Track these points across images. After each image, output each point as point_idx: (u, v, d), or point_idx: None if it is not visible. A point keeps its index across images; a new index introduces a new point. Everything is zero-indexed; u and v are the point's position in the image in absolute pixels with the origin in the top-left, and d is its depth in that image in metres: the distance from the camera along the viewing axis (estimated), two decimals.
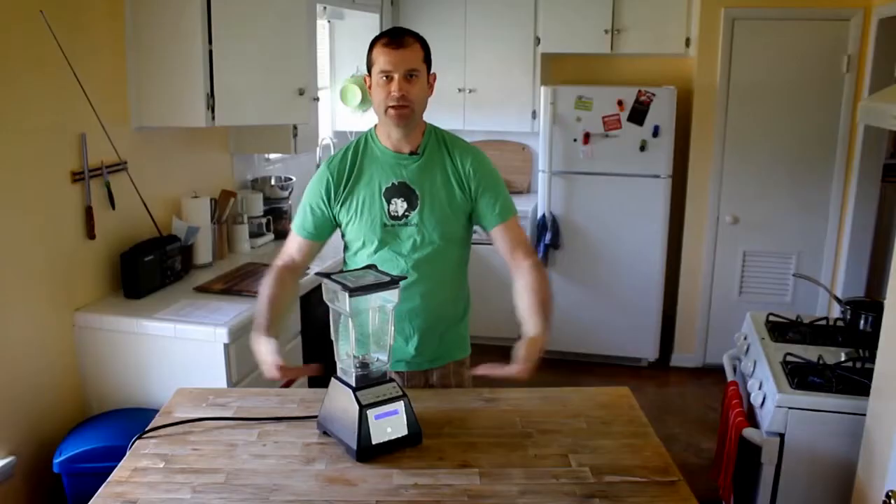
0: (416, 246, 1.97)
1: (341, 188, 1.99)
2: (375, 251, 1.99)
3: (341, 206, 2.00)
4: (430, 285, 2.00)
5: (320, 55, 4.12)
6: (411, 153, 1.98)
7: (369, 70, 1.94)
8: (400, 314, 1.99)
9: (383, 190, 1.97)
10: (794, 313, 2.89)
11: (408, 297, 1.97)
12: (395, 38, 1.89)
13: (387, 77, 1.88)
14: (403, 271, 1.97)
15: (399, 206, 1.96)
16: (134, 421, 2.29)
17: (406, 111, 1.89)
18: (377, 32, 4.49)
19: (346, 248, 2.09)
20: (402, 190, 1.97)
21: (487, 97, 4.70)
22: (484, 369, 1.77)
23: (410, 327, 2.03)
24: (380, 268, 1.94)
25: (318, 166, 4.50)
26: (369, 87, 1.96)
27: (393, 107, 1.88)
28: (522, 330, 1.86)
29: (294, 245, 2.07)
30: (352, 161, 2.00)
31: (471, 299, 2.18)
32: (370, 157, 2.00)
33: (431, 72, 1.97)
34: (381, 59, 1.88)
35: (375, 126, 2.04)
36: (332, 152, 4.51)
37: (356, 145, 2.03)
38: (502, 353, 2.09)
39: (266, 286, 1.97)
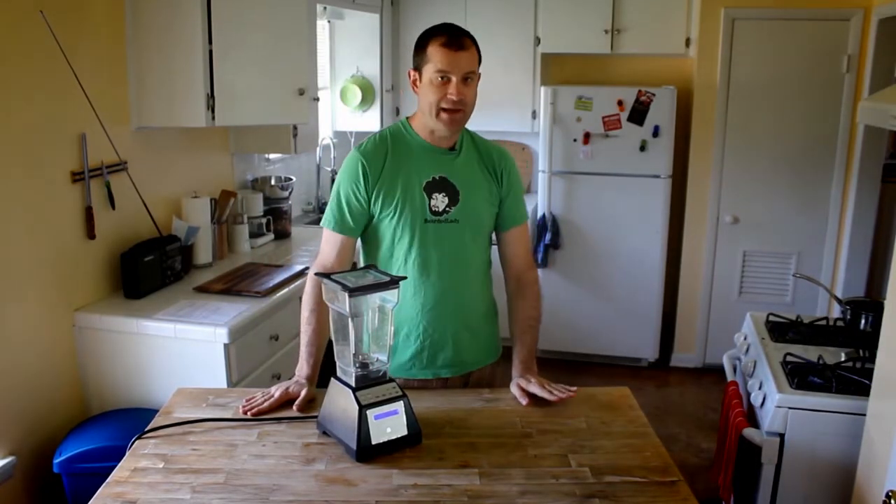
0: (455, 243, 1.94)
1: (378, 176, 1.91)
2: (412, 247, 1.93)
3: (377, 197, 1.91)
4: (471, 282, 2.00)
5: (320, 55, 4.12)
6: (450, 149, 1.96)
7: (418, 67, 1.88)
8: (443, 315, 1.97)
9: (423, 184, 1.92)
10: (794, 313, 2.89)
11: (453, 296, 1.97)
12: (454, 37, 1.84)
13: (443, 78, 1.83)
14: (447, 269, 1.94)
15: (440, 201, 1.92)
16: (134, 421, 2.29)
17: (459, 115, 1.86)
18: (377, 32, 4.56)
19: (372, 244, 1.99)
20: (443, 185, 1.93)
21: (487, 97, 4.63)
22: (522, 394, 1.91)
23: (454, 328, 1.99)
24: (417, 266, 1.93)
25: (318, 166, 4.53)
26: (414, 83, 1.90)
27: (447, 110, 1.84)
28: (519, 365, 1.99)
29: (331, 247, 1.95)
30: (384, 149, 1.93)
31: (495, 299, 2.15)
32: (405, 148, 1.94)
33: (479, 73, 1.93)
34: (440, 58, 1.82)
35: (408, 118, 1.98)
36: (332, 153, 4.55)
37: (388, 134, 1.97)
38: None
39: (308, 324, 1.93)
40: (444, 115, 1.86)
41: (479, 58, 1.90)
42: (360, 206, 1.93)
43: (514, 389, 1.93)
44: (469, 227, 1.96)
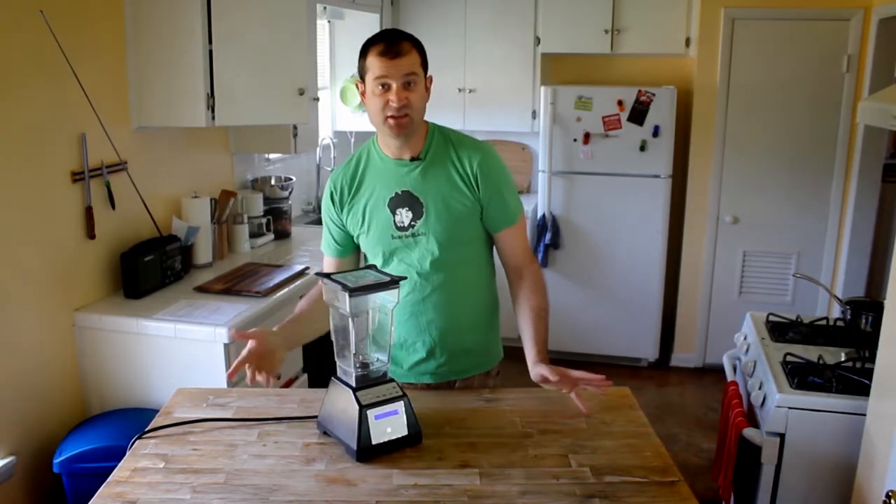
0: (426, 256, 1.91)
1: (346, 200, 1.95)
2: (387, 264, 1.94)
3: (349, 219, 1.96)
4: (446, 295, 1.95)
5: (320, 55, 4.12)
6: (412, 159, 1.91)
7: (362, 76, 1.86)
8: (419, 326, 1.97)
9: (387, 201, 1.91)
10: (794, 313, 2.89)
11: (424, 308, 1.95)
12: (391, 44, 1.79)
13: (383, 86, 1.79)
14: (417, 283, 1.93)
15: (404, 216, 1.90)
16: (134, 421, 2.30)
17: (405, 120, 1.81)
18: (377, 32, 4.55)
19: (364, 259, 2.06)
20: (405, 199, 1.89)
21: (487, 97, 4.70)
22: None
23: (431, 339, 1.98)
24: None
25: (318, 166, 4.54)
26: (362, 94, 1.88)
27: (392, 117, 1.80)
28: (533, 357, 1.88)
29: (328, 266, 2.06)
30: (353, 172, 1.96)
31: (499, 303, 2.10)
32: (372, 167, 1.94)
33: (428, 75, 1.89)
34: (377, 66, 1.79)
35: (377, 135, 1.97)
36: (333, 152, 4.56)
37: (358, 156, 1.98)
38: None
39: (303, 301, 2.00)
40: (390, 122, 1.81)
41: (422, 60, 1.86)
42: (338, 229, 2.01)
43: (537, 376, 1.82)
44: (439, 238, 1.90)
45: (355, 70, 2.00)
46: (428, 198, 1.90)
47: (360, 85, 1.89)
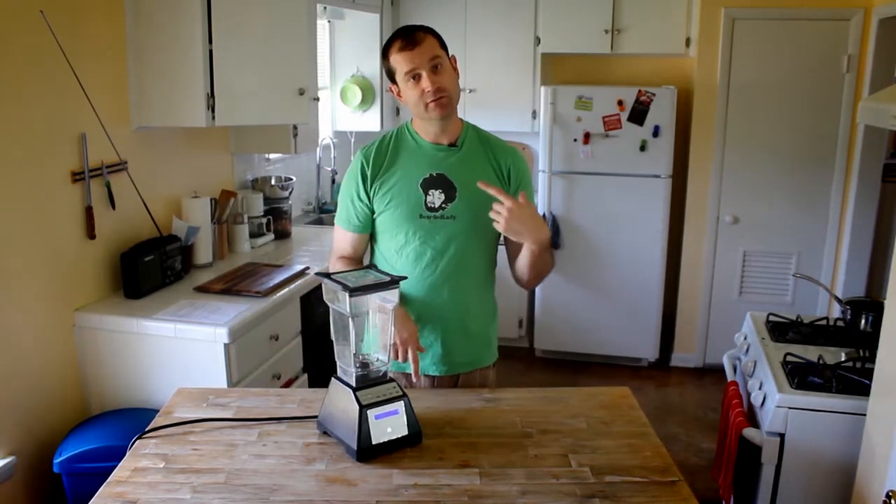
0: (450, 239, 1.96)
1: (378, 174, 1.97)
2: (408, 243, 1.97)
3: (376, 194, 1.98)
4: (460, 280, 2.00)
5: (320, 55, 4.12)
6: (450, 145, 1.98)
7: (392, 78, 1.94)
8: (432, 308, 1.99)
9: (420, 181, 1.96)
10: (794, 313, 2.89)
11: (439, 292, 1.98)
12: (407, 37, 1.89)
13: (415, 77, 1.88)
14: (437, 264, 1.96)
15: (436, 197, 1.95)
16: (134, 421, 2.30)
17: (445, 100, 1.89)
18: (377, 32, 4.56)
19: (373, 238, 2.06)
20: (440, 181, 1.96)
21: (487, 97, 4.69)
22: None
23: (442, 322, 2.01)
24: (410, 260, 1.96)
25: (318, 166, 4.54)
26: (398, 95, 1.95)
27: (432, 101, 1.88)
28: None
29: (344, 240, 2.05)
30: (386, 149, 2.00)
31: (497, 306, 2.14)
32: (407, 148, 2.00)
33: (451, 55, 1.96)
34: (401, 61, 1.88)
35: (411, 120, 2.02)
36: (333, 152, 4.56)
37: (392, 135, 2.03)
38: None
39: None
40: (431, 105, 1.89)
41: (440, 42, 1.93)
42: (362, 204, 2.00)
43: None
44: (467, 224, 1.96)
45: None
46: (461, 183, 1.96)
47: (393, 87, 1.96)
